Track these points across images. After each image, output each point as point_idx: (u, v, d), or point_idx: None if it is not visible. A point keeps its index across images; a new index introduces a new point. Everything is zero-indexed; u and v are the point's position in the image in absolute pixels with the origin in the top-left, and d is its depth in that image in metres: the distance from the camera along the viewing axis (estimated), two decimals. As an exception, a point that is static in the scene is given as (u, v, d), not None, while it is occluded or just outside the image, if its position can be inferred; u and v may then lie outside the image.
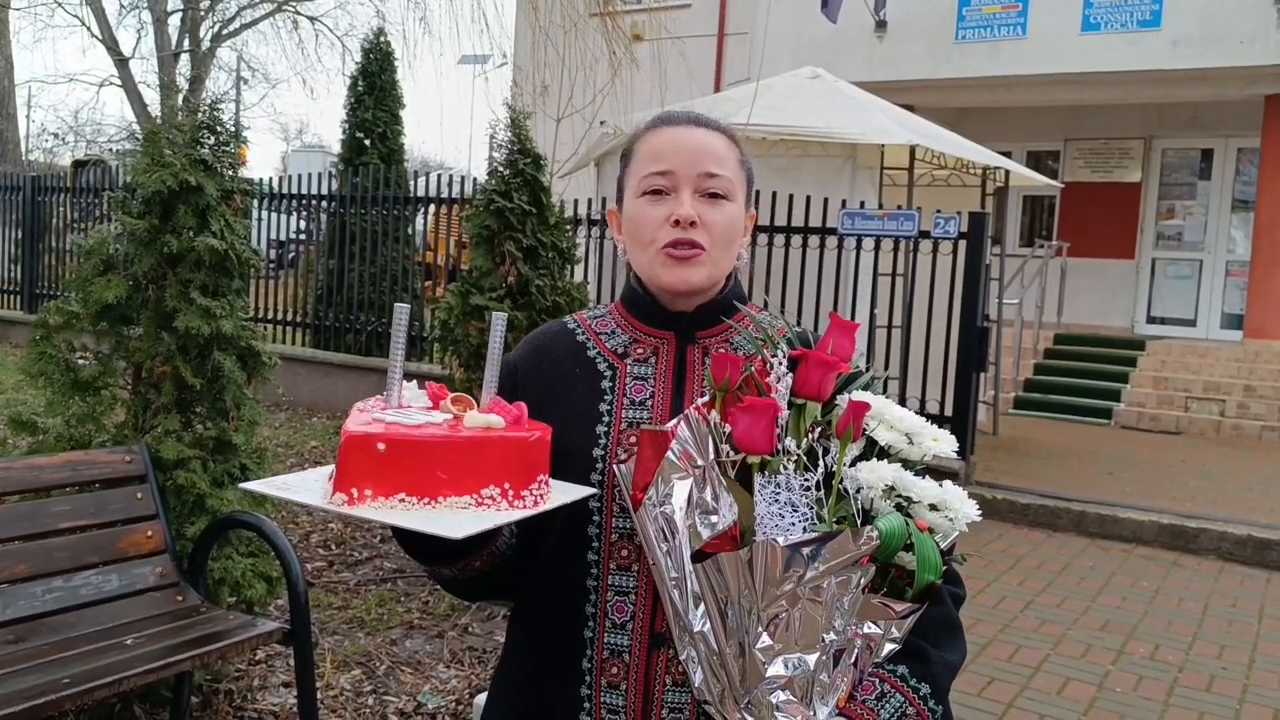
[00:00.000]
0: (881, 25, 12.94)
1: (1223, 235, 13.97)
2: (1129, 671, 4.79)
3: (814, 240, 8.11)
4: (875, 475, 1.21)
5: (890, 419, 1.27)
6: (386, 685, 4.09)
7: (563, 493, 1.33)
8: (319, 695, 3.70)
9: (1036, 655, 4.92)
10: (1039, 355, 12.65)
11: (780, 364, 1.30)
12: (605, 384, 1.50)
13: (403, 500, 1.22)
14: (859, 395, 1.27)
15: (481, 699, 3.56)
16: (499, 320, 1.38)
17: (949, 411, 7.85)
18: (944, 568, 1.21)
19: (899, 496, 1.22)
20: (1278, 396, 11.20)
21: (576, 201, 8.60)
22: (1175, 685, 4.67)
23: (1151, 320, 14.35)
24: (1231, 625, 5.53)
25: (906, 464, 1.25)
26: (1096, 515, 7.34)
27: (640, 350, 1.53)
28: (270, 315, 11.12)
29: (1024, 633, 5.22)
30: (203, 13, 20.15)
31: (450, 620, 4.75)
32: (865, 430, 1.26)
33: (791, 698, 1.22)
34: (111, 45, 19.39)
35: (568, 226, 5.78)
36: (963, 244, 7.78)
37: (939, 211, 7.87)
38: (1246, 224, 13.43)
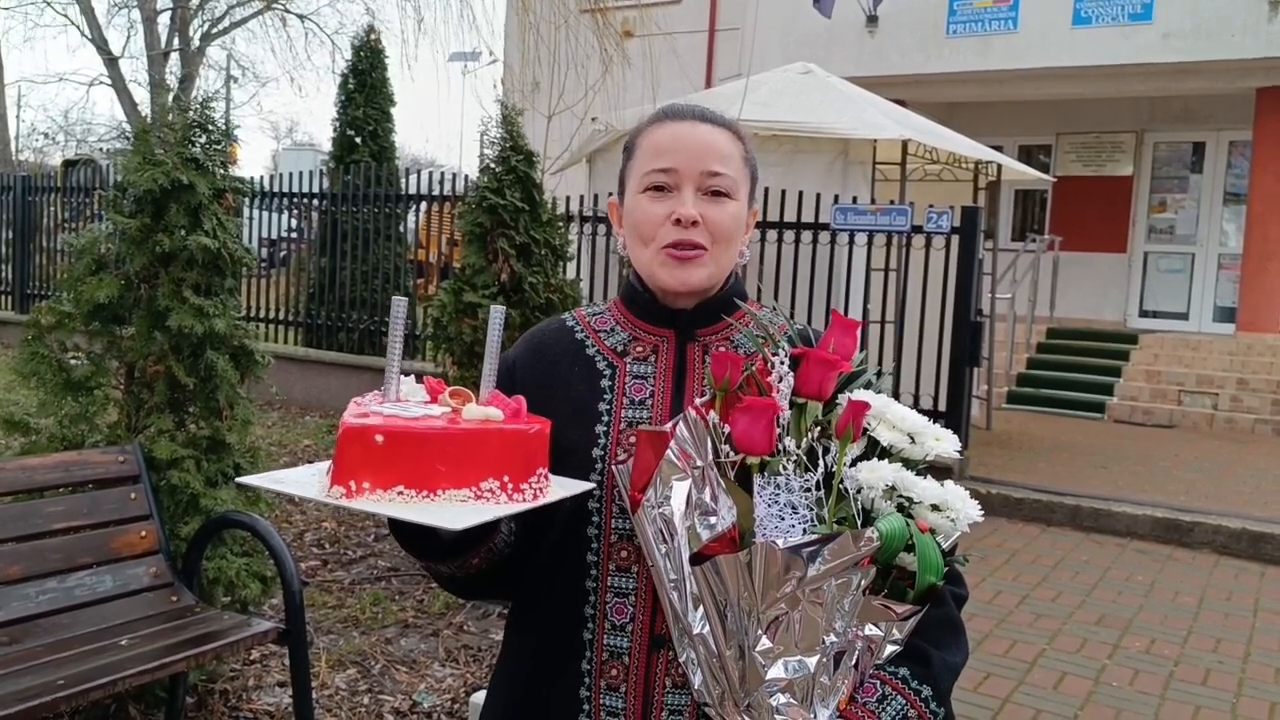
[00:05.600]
0: (873, 20, 12.92)
1: (1214, 228, 14.00)
2: (1125, 665, 4.80)
3: (806, 236, 8.11)
4: (876, 475, 1.20)
5: (892, 418, 1.25)
6: (382, 684, 4.08)
7: (562, 487, 1.32)
8: (314, 695, 3.69)
9: (1032, 650, 4.93)
10: (1032, 350, 12.67)
11: (781, 363, 1.28)
12: (604, 383, 1.48)
13: (401, 493, 1.21)
14: (860, 394, 1.26)
15: (477, 697, 3.55)
16: (497, 314, 1.36)
17: (942, 406, 7.87)
18: (945, 568, 1.20)
19: (900, 497, 1.21)
20: (1270, 389, 11.23)
21: (569, 198, 8.58)
22: (1171, 679, 4.67)
23: (1144, 314, 14.36)
24: (1227, 619, 5.54)
25: (908, 464, 1.24)
26: (1091, 509, 7.35)
27: (640, 348, 1.51)
28: (263, 314, 11.11)
29: (1019, 627, 5.22)
30: (192, 11, 20.05)
31: (445, 619, 4.74)
32: (866, 430, 1.25)
33: (792, 700, 1.21)
34: (101, 44, 19.30)
35: (560, 223, 5.77)
36: (955, 239, 7.79)
37: (931, 206, 7.87)
38: (1238, 217, 13.46)
